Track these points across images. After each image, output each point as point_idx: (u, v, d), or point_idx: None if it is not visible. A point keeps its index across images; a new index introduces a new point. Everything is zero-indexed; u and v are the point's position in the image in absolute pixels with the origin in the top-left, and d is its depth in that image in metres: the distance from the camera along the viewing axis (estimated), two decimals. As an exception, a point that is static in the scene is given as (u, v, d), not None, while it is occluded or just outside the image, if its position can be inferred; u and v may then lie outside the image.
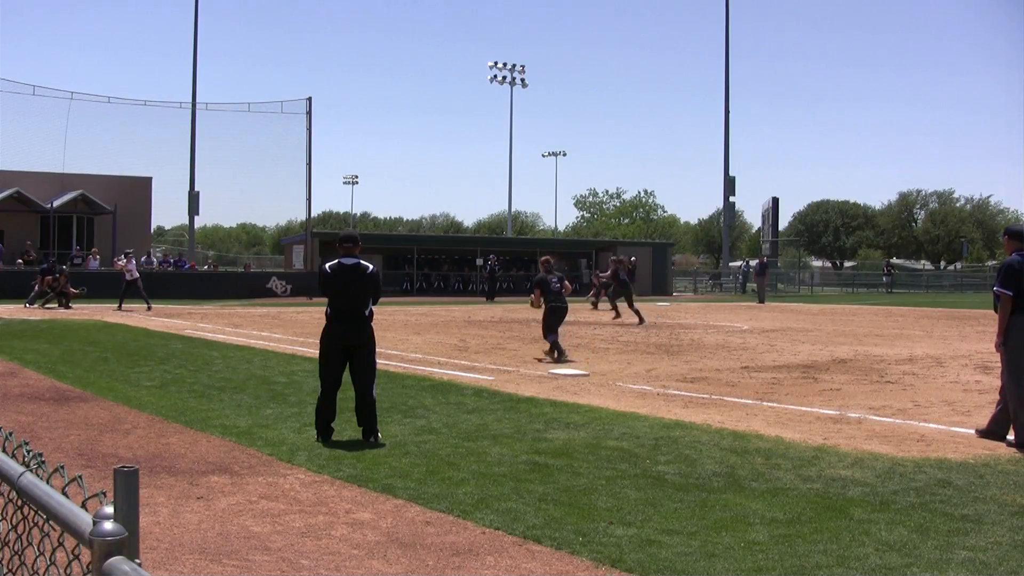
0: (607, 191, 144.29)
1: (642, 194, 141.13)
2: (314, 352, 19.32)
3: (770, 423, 11.81)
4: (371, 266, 11.06)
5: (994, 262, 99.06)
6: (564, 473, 9.00)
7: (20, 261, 45.90)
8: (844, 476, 8.89)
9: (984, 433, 10.93)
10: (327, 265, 11.13)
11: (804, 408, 13.07)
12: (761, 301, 47.52)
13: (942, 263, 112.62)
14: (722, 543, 6.81)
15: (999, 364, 16.84)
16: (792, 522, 7.35)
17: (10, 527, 3.14)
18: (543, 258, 20.15)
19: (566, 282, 19.92)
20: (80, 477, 2.65)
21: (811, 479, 8.77)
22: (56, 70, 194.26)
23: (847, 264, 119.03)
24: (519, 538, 6.99)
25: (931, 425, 11.77)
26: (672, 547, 6.72)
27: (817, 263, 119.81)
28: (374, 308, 11.06)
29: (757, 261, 55.40)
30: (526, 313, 35.64)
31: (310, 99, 54.20)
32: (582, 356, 19.22)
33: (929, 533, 7.06)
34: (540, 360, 18.52)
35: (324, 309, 11.11)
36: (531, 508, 7.73)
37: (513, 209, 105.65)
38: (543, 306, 19.48)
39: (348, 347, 10.91)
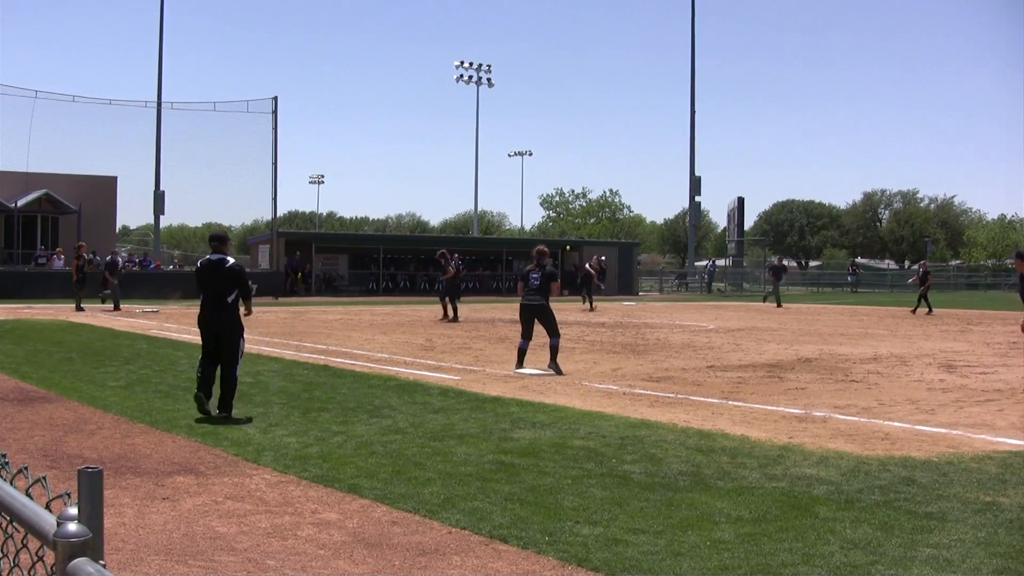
0: (573, 191, 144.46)
1: (608, 194, 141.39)
2: (280, 352, 19.29)
3: (736, 422, 11.86)
4: (231, 260, 12.53)
5: (958, 261, 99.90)
6: (530, 472, 9.01)
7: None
8: (809, 475, 8.94)
9: None
10: (199, 261, 12.92)
11: (769, 407, 13.13)
12: (776, 304, 44.74)
13: (906, 263, 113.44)
14: (688, 542, 6.83)
15: (962, 363, 17.11)
16: (758, 520, 7.38)
17: (-27, 529, 3.11)
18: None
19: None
20: (44, 478, 2.63)
21: (776, 478, 8.82)
22: (20, 68, 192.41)
23: (812, 264, 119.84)
24: (485, 538, 6.99)
25: (895, 424, 11.84)
26: (638, 546, 6.74)
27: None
28: (257, 300, 12.66)
29: (771, 262, 53.76)
30: (491, 313, 35.67)
31: (276, 98, 54.03)
32: (548, 356, 19.20)
33: (893, 531, 7.11)
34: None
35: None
36: (497, 507, 7.74)
37: (479, 209, 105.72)
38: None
39: (213, 331, 12.44)
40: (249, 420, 11.91)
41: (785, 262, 53.48)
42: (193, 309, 13.94)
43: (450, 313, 31.76)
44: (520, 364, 17.20)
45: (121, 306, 35.18)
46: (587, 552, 6.62)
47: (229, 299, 12.31)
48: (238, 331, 12.42)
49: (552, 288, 17.47)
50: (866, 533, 7.05)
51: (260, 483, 8.71)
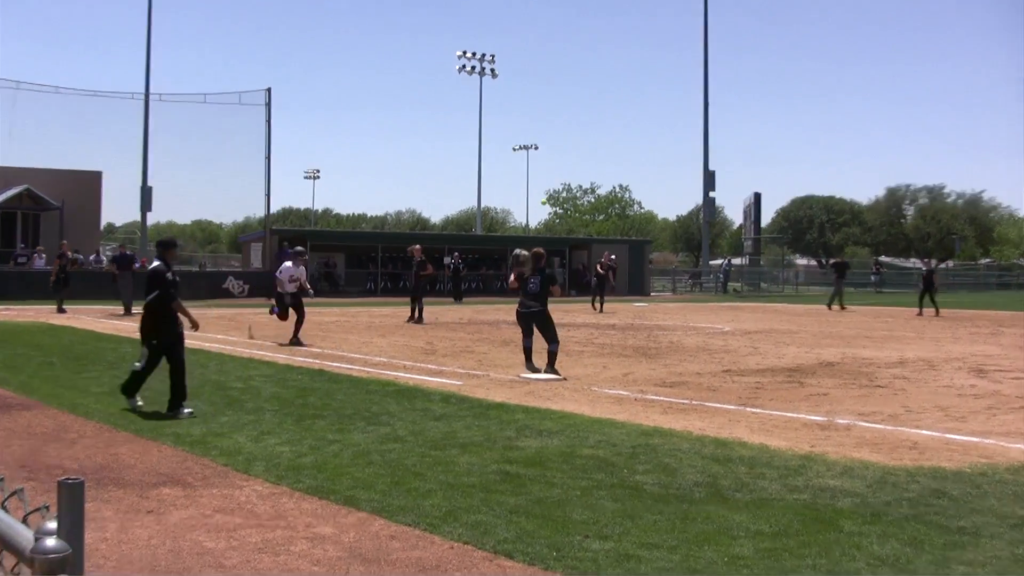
0: (581, 186, 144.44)
1: (617, 189, 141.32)
2: (273, 356, 19.28)
3: (754, 430, 11.83)
4: (153, 265, 13.84)
5: (988, 260, 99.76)
6: (537, 483, 8.98)
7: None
8: (833, 486, 8.90)
9: None
10: None
11: (790, 414, 13.09)
12: (840, 306, 44.15)
13: (933, 261, 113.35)
14: (704, 557, 6.79)
15: (995, 367, 17.10)
16: (778, 535, 7.35)
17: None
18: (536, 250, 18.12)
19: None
20: (22, 490, 2.60)
21: (798, 489, 8.78)
22: (1, 59, 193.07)
23: (833, 262, 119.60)
24: (489, 553, 6.96)
25: (924, 432, 11.80)
26: (651, 562, 6.70)
27: (802, 261, 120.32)
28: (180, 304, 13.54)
29: (834, 261, 52.87)
30: (496, 315, 35.65)
31: (269, 90, 53.99)
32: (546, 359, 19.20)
33: (924, 547, 7.07)
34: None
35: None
36: (502, 521, 7.70)
37: (482, 205, 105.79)
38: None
39: None
40: (135, 408, 13.05)
41: (845, 260, 51.72)
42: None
43: (416, 313, 31.81)
44: (529, 361, 17.37)
45: (115, 307, 35.06)
46: (597, 568, 6.59)
47: (146, 301, 13.41)
48: (144, 331, 13.43)
49: (552, 291, 17.56)
50: (894, 549, 7.01)
51: (251, 495, 8.68)
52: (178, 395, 13.03)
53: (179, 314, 13.51)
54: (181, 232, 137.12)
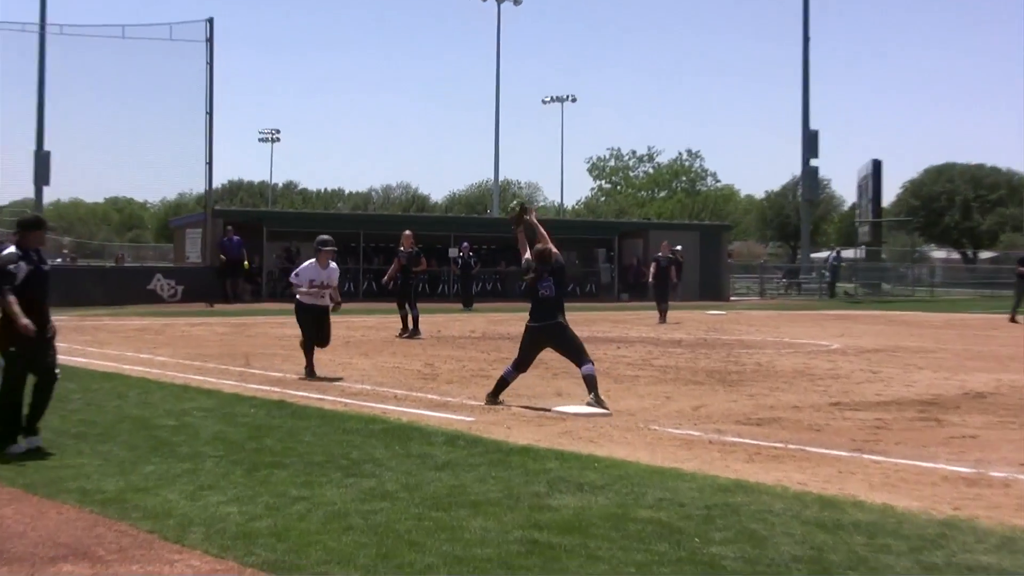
0: (634, 152, 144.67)
1: (684, 156, 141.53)
2: (217, 382, 19.29)
3: (874, 485, 11.76)
4: (5, 251, 13.54)
5: None
6: (576, 557, 8.93)
7: None
8: (986, 564, 8.81)
9: None
10: None
11: (924, 463, 13.02)
12: (1011, 317, 42.24)
13: None
14: (808, 660, 6.74)
15: None
16: (910, 630, 7.28)
17: None
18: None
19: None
20: None
21: (937, 568, 8.70)
22: None
23: (983, 255, 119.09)
24: (512, 653, 6.92)
25: (1111, 489, 11.72)
26: (735, 666, 6.65)
27: (939, 254, 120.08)
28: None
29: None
30: (517, 326, 35.63)
31: (211, 21, 54.07)
32: (601, 387, 19.18)
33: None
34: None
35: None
36: (529, 608, 7.67)
37: (501, 178, 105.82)
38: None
39: None
40: (21, 452, 13.02)
41: None
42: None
43: (409, 324, 32.37)
44: (498, 394, 17.78)
45: None
46: (660, 675, 6.53)
47: None
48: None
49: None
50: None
51: (185, 572, 8.64)
52: (35, 415, 13.42)
53: (44, 314, 13.53)
54: (91, 213, 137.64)
